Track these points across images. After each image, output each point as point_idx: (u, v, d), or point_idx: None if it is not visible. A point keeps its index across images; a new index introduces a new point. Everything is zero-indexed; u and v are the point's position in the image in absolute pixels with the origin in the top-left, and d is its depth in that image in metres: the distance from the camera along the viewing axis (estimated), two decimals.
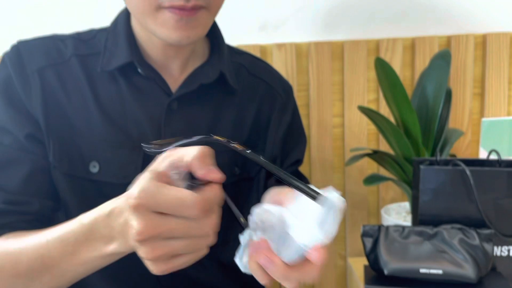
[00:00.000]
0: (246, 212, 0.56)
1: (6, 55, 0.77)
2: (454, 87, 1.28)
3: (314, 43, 1.26)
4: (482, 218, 0.88)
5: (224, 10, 0.78)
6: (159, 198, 0.47)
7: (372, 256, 0.87)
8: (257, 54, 1.22)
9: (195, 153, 0.49)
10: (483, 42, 1.29)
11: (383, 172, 1.26)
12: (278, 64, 1.26)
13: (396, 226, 0.87)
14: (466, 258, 0.82)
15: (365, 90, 1.29)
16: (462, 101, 1.30)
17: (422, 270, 0.83)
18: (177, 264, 0.50)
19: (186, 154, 0.50)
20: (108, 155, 0.75)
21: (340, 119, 1.31)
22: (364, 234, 0.88)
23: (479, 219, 0.88)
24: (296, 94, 1.22)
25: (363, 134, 1.31)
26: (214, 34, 0.84)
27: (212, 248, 0.81)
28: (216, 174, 0.50)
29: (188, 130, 0.78)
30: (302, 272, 0.51)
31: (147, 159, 0.72)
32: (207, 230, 0.49)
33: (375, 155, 1.17)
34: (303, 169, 0.93)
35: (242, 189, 0.84)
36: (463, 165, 0.89)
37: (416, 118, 1.06)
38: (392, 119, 1.13)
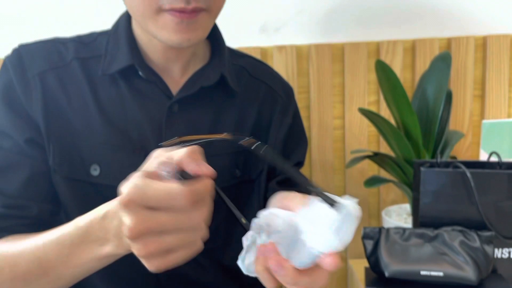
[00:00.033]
0: (247, 215, 0.57)
1: (8, 58, 0.77)
2: (455, 89, 1.29)
3: (315, 45, 1.27)
4: (483, 220, 0.88)
5: (224, 13, 0.78)
6: (148, 192, 0.47)
7: (373, 258, 0.87)
8: (257, 56, 1.22)
9: (185, 150, 0.50)
10: (483, 44, 1.29)
11: (383, 174, 1.26)
12: (279, 66, 1.26)
13: (397, 228, 0.87)
14: (467, 260, 0.82)
15: (366, 92, 1.29)
16: (463, 103, 1.30)
17: (423, 272, 0.83)
18: (172, 260, 0.50)
19: (176, 152, 0.50)
20: (108, 158, 0.75)
21: (341, 121, 1.31)
22: (365, 236, 0.88)
23: (480, 221, 0.88)
24: (297, 96, 1.22)
25: (364, 136, 1.31)
26: (215, 36, 0.84)
27: (213, 250, 0.82)
28: (206, 168, 0.50)
29: (189, 133, 0.78)
30: (312, 278, 0.50)
31: None
32: (197, 222, 0.49)
33: (376, 157, 1.17)
34: (303, 171, 0.93)
35: (243, 192, 0.84)
36: (463, 167, 0.89)
37: (416, 120, 1.06)
38: (392, 121, 1.13)
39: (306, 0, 1.28)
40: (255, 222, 0.54)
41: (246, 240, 0.54)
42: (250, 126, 0.85)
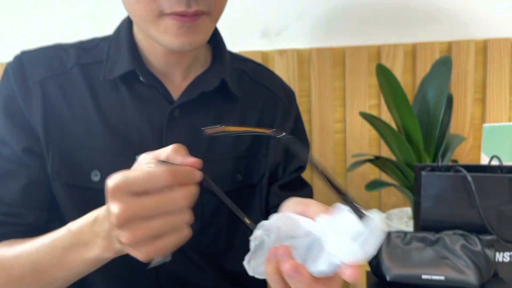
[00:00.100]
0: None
1: (9, 66, 0.78)
2: (455, 92, 1.29)
3: (316, 49, 1.27)
4: (484, 224, 0.88)
5: (226, 17, 0.79)
6: (131, 176, 0.49)
7: (374, 262, 0.87)
8: (258, 60, 1.22)
9: (172, 146, 0.54)
10: (484, 48, 1.29)
11: (384, 177, 1.26)
12: (280, 70, 1.26)
13: (398, 232, 0.87)
14: (468, 264, 0.82)
15: (367, 95, 1.29)
16: (464, 106, 1.30)
17: (424, 276, 0.83)
18: (161, 246, 0.51)
19: (163, 149, 0.54)
20: (109, 163, 0.75)
21: (342, 124, 1.31)
22: None
23: (481, 225, 0.88)
24: (298, 100, 1.22)
25: (365, 140, 1.31)
26: (216, 41, 0.85)
27: (215, 254, 0.82)
28: (192, 160, 0.53)
29: (190, 138, 0.78)
30: (326, 285, 0.49)
31: None
32: (180, 203, 0.51)
33: (377, 160, 1.17)
34: (304, 174, 0.93)
35: (245, 196, 0.84)
36: (464, 171, 0.89)
37: (417, 124, 1.06)
38: (393, 125, 1.13)
39: (307, 4, 1.28)
40: (265, 223, 0.54)
41: (254, 240, 0.54)
42: None
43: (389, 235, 0.87)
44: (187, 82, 0.80)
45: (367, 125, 1.26)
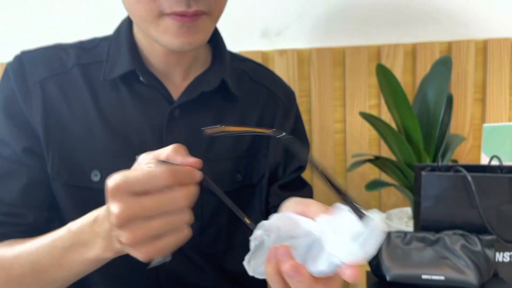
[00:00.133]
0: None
1: (9, 66, 0.78)
2: (455, 92, 1.29)
3: (316, 49, 1.27)
4: (484, 224, 0.88)
5: (226, 17, 0.79)
6: (131, 176, 0.50)
7: (374, 262, 0.87)
8: (258, 60, 1.22)
9: (171, 146, 0.54)
10: (484, 48, 1.29)
11: (384, 177, 1.26)
12: (280, 70, 1.26)
13: (398, 232, 0.87)
14: (468, 264, 0.82)
15: (367, 95, 1.29)
16: (464, 106, 1.30)
17: (424, 276, 0.83)
18: (161, 246, 0.51)
19: (163, 149, 0.54)
20: (109, 163, 0.75)
21: (342, 124, 1.31)
22: None
23: (481, 225, 0.88)
24: (298, 100, 1.22)
25: (365, 140, 1.31)
26: (216, 41, 0.85)
27: (215, 255, 0.82)
28: (192, 160, 0.53)
29: (190, 137, 0.78)
30: (326, 285, 0.49)
31: None
32: (180, 203, 0.51)
33: (377, 160, 1.17)
34: (304, 174, 0.93)
35: (245, 196, 0.84)
36: (464, 171, 0.89)
37: (417, 124, 1.06)
38: (393, 125, 1.13)
39: (307, 4, 1.28)
40: (265, 223, 0.54)
41: (254, 240, 0.54)
42: None
43: (389, 235, 0.87)
44: (187, 82, 0.80)
45: (367, 125, 1.26)
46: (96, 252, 0.58)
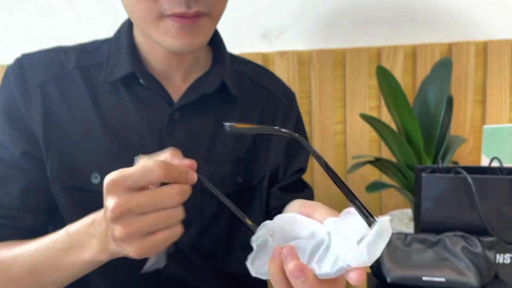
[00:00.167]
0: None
1: (10, 68, 0.78)
2: (456, 94, 1.29)
3: (316, 51, 1.27)
4: (484, 226, 0.88)
5: (226, 19, 0.79)
6: (125, 171, 0.52)
7: (375, 263, 0.87)
8: (259, 62, 1.22)
9: (168, 150, 0.56)
10: (484, 49, 1.29)
11: (385, 179, 1.26)
12: (280, 72, 1.26)
13: (399, 233, 0.87)
14: (469, 265, 0.82)
15: (367, 97, 1.29)
16: (464, 108, 1.31)
17: (425, 278, 0.83)
18: (153, 242, 0.52)
19: (160, 154, 0.56)
20: (109, 165, 0.75)
21: (342, 126, 1.31)
22: None
23: (481, 226, 0.88)
24: (298, 101, 1.23)
25: (365, 141, 1.31)
26: (216, 42, 0.85)
27: (215, 256, 0.82)
28: (187, 161, 0.55)
29: (190, 139, 0.78)
30: (330, 287, 0.49)
31: None
32: (174, 200, 0.52)
33: (377, 162, 1.17)
34: (305, 177, 0.93)
35: (245, 198, 0.84)
36: (465, 173, 0.89)
37: (417, 125, 1.06)
38: (393, 126, 1.13)
39: (308, 6, 1.28)
40: (268, 223, 0.54)
41: (256, 240, 0.54)
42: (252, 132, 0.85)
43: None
44: (187, 84, 0.81)
45: (367, 127, 1.27)
46: (91, 254, 0.59)
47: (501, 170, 0.92)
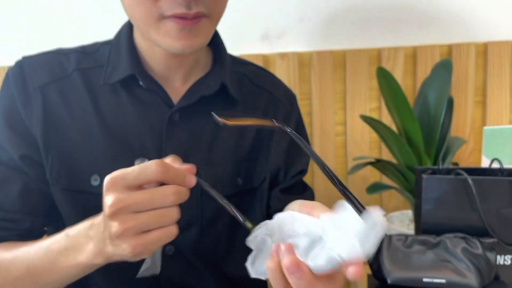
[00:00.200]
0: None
1: (10, 71, 0.78)
2: (456, 95, 1.29)
3: (316, 52, 1.27)
4: (485, 227, 0.88)
5: (226, 21, 0.79)
6: (124, 170, 0.54)
7: (375, 265, 0.87)
8: (259, 63, 1.22)
9: (169, 157, 0.58)
10: (484, 50, 1.29)
11: (385, 180, 1.26)
12: (281, 73, 1.26)
13: (399, 235, 0.87)
14: (469, 267, 0.82)
15: (367, 98, 1.29)
16: (464, 109, 1.31)
17: (425, 279, 0.83)
18: (148, 240, 0.54)
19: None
20: (109, 167, 0.75)
21: (343, 127, 1.31)
22: None
23: (482, 228, 0.88)
24: (299, 103, 1.23)
25: (366, 143, 1.31)
26: (216, 44, 0.85)
27: (215, 259, 0.82)
28: (188, 165, 0.57)
29: (190, 141, 0.78)
30: (327, 284, 0.49)
31: None
32: (170, 199, 0.54)
33: (378, 163, 1.17)
34: (306, 178, 0.93)
35: (245, 200, 0.84)
36: (465, 174, 0.89)
37: (418, 127, 1.07)
38: (394, 128, 1.13)
39: (308, 7, 1.28)
40: (267, 223, 0.54)
41: (253, 240, 0.54)
42: (252, 134, 0.84)
43: (390, 238, 0.87)
44: (187, 86, 0.80)
45: (367, 128, 1.27)
46: (87, 257, 0.59)
47: (501, 171, 0.92)
